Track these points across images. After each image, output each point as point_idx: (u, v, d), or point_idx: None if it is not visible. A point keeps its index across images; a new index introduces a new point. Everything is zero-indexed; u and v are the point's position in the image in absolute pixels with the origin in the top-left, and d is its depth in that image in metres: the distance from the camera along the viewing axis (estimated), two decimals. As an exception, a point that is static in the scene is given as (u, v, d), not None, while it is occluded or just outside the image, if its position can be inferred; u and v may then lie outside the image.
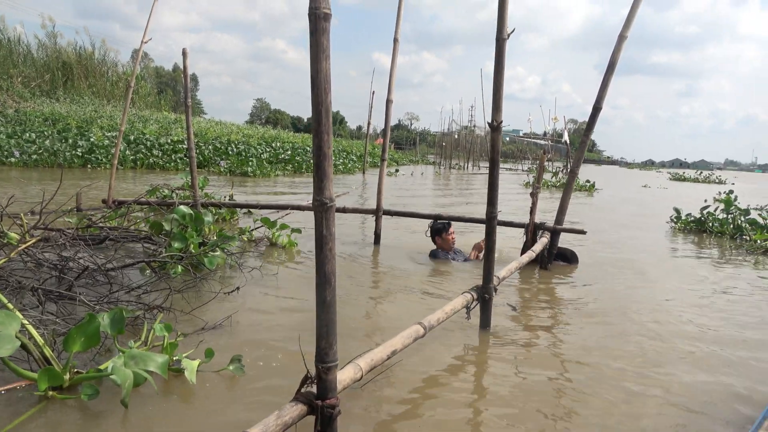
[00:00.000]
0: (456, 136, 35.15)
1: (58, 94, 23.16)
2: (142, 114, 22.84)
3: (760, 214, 7.67)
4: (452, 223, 5.09)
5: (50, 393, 1.93)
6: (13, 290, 2.71)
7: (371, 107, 21.19)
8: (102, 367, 2.04)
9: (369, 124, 22.13)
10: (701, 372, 2.60)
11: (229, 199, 6.94)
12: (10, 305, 2.08)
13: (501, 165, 3.09)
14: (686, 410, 2.18)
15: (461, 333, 2.94)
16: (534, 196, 4.77)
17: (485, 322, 2.98)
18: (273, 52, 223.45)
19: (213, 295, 3.19)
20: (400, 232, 6.30)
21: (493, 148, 2.82)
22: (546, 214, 6.72)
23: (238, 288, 3.37)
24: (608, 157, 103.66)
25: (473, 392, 2.29)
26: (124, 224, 4.79)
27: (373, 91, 20.53)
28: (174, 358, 2.22)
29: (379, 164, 5.72)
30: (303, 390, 1.61)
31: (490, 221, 2.90)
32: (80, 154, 13.92)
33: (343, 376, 1.78)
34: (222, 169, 14.77)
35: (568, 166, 24.12)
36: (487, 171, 3.16)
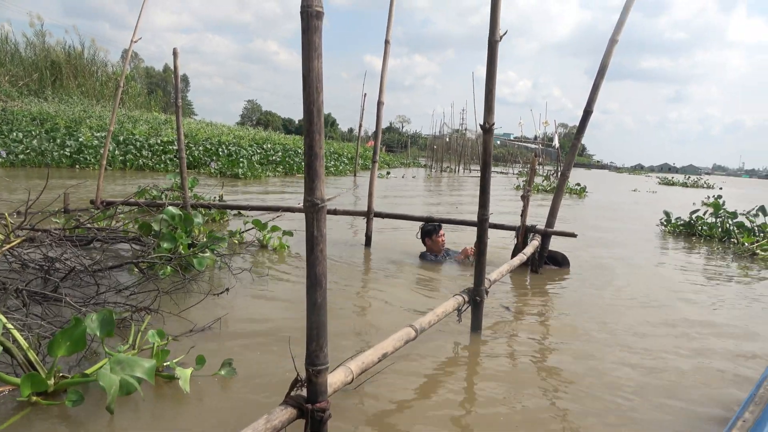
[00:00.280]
0: (447, 140, 35.20)
1: (46, 93, 22.86)
2: (132, 114, 22.59)
3: (747, 218, 7.76)
4: (443, 225, 5.09)
5: (34, 398, 1.88)
6: (-3, 292, 2.65)
7: (363, 109, 21.22)
8: (88, 372, 2.00)
9: (360, 126, 22.14)
10: (696, 374, 2.61)
11: (219, 200, 6.88)
12: (-7, 307, 2.04)
13: (492, 168, 3.08)
14: (684, 414, 2.19)
15: (452, 336, 2.93)
16: (525, 199, 4.77)
17: (476, 325, 2.97)
18: (265, 53, 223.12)
19: (202, 297, 3.15)
20: (391, 234, 6.29)
21: (485, 150, 2.81)
22: (536, 218, 6.74)
23: (227, 289, 3.33)
24: (598, 162, 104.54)
25: (464, 394, 2.28)
26: (113, 225, 4.72)
27: (365, 94, 20.52)
28: (165, 364, 2.18)
29: (370, 167, 5.70)
30: (293, 393, 1.59)
31: (482, 224, 2.89)
32: (68, 154, 13.75)
33: (334, 379, 1.75)
34: (212, 171, 14.66)
35: (559, 170, 24.30)
36: (479, 174, 3.15)
